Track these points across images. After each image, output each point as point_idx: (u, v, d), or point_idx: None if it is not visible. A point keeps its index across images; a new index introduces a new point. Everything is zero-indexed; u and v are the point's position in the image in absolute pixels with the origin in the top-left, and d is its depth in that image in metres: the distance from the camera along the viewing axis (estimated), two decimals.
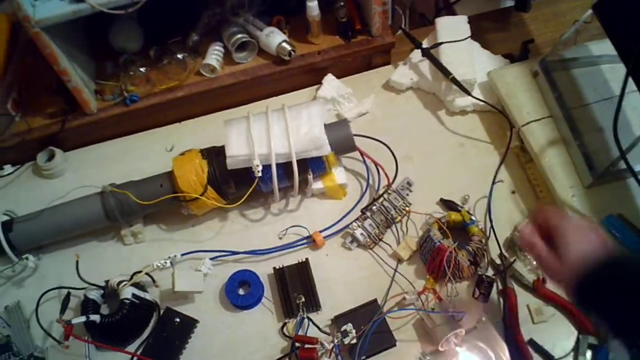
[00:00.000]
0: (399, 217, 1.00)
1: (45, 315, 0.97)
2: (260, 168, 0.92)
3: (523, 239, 0.74)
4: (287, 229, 1.01)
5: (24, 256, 0.99)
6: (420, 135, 1.09)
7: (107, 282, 0.96)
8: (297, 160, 0.94)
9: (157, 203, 0.97)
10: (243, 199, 0.95)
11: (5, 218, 1.02)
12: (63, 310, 0.93)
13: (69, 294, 0.95)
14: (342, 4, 1.08)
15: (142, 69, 1.09)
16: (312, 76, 1.14)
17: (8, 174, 1.14)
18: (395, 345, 0.90)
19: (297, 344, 0.89)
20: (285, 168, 0.96)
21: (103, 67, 1.14)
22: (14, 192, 1.13)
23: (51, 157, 1.12)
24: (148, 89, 1.11)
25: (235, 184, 0.98)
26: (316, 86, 1.16)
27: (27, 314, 1.00)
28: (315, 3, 1.06)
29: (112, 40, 1.12)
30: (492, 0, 1.29)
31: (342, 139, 0.98)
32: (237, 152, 0.94)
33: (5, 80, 1.07)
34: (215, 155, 0.98)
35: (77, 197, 1.03)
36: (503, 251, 0.95)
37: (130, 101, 1.09)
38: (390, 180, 1.01)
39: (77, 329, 0.90)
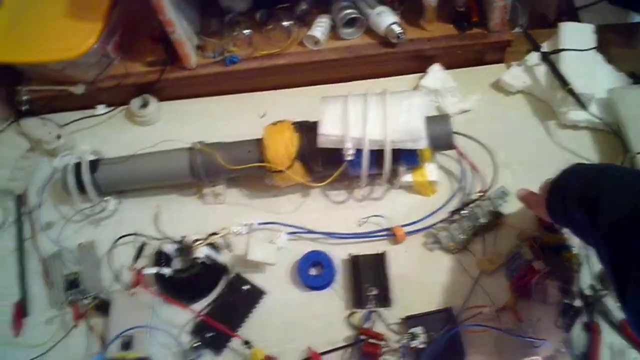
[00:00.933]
0: (489, 227, 0.97)
1: (116, 259, 1.02)
2: (351, 151, 0.92)
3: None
4: (368, 217, 1.01)
5: (105, 198, 1.03)
6: (524, 144, 1.06)
7: (183, 237, 0.99)
8: (391, 150, 0.93)
9: (243, 169, 0.98)
10: (329, 180, 0.96)
11: (92, 157, 1.06)
12: (136, 258, 0.97)
13: (144, 243, 0.99)
14: None
15: (246, 31, 1.11)
16: (417, 63, 1.13)
17: (100, 114, 1.18)
18: (463, 358, 0.88)
19: (362, 337, 0.89)
20: (376, 155, 0.95)
21: (208, 24, 1.16)
22: (104, 133, 1.18)
23: (145, 104, 1.16)
24: (249, 52, 1.12)
25: (323, 163, 0.98)
26: (420, 74, 1.14)
27: (99, 254, 1.04)
28: None
29: None
30: (621, 12, 1.22)
31: (441, 135, 0.96)
32: (330, 131, 0.94)
33: (109, 23, 1.10)
34: (307, 130, 0.98)
35: (164, 148, 1.06)
36: (595, 283, 0.91)
37: (230, 62, 1.11)
38: (486, 187, 0.99)
39: (146, 279, 0.94)
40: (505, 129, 1.07)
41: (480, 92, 1.11)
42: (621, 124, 0.99)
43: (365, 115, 0.93)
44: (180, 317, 0.96)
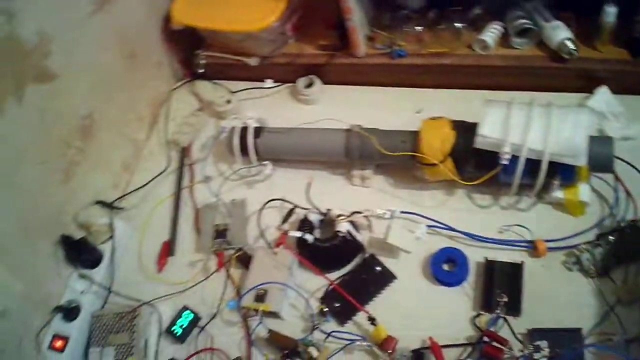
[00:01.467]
0: (634, 257, 0.96)
1: (262, 219, 1.12)
2: (508, 156, 0.95)
3: None
4: (511, 225, 1.03)
5: (264, 162, 1.14)
6: None
7: (328, 210, 1.07)
8: (548, 162, 0.95)
9: (397, 157, 1.04)
10: (480, 180, 1.00)
11: (257, 125, 1.17)
12: (284, 220, 1.06)
13: (293, 208, 1.08)
14: None
15: (418, 28, 1.16)
16: (583, 83, 1.13)
17: (268, 87, 1.30)
18: None
19: (485, 339, 0.92)
20: (532, 165, 0.97)
21: (379, 17, 1.24)
22: (268, 105, 1.29)
23: (310, 84, 1.25)
24: (417, 48, 1.18)
25: (475, 164, 1.02)
26: (584, 95, 1.14)
27: (248, 212, 1.15)
28: (614, 10, 1.04)
29: None
30: None
31: (601, 156, 0.97)
32: (489, 132, 0.97)
33: (291, 4, 1.21)
34: (464, 129, 1.02)
35: (322, 127, 1.15)
36: None
37: (397, 55, 1.18)
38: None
39: (288, 241, 1.04)
40: None
41: None
42: None
43: (528, 122, 0.96)
44: (311, 283, 1.05)
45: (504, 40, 1.16)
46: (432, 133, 1.03)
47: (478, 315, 0.97)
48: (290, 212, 1.08)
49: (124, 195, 1.23)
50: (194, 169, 1.25)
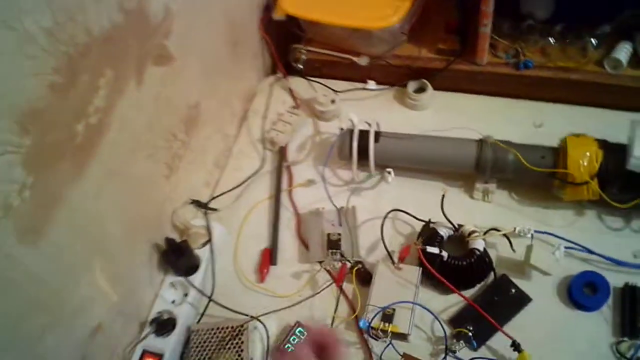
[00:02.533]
0: None
1: (375, 230, 1.08)
2: None
3: None
4: None
5: (387, 170, 1.11)
6: None
7: (460, 226, 1.05)
8: None
9: (535, 173, 1.03)
10: (634, 203, 0.99)
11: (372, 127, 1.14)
12: (420, 236, 1.04)
13: (428, 222, 1.05)
14: None
15: (549, 39, 1.16)
16: None
17: (372, 89, 1.27)
18: None
19: None
20: None
21: (500, 25, 1.22)
22: (372, 108, 1.27)
23: (421, 89, 1.23)
24: (543, 60, 1.18)
25: (620, 186, 1.02)
26: None
27: (359, 221, 1.12)
28: None
29: (523, 3, 1.21)
30: None
31: None
32: None
33: (414, 4, 1.19)
34: (611, 149, 1.02)
35: (444, 135, 1.13)
36: None
37: (524, 66, 1.17)
38: None
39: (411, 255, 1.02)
40: None
41: None
42: None
43: None
44: (435, 303, 1.03)
45: (634, 60, 1.16)
46: (579, 150, 1.02)
47: (620, 342, 0.96)
48: (426, 226, 1.06)
49: (218, 196, 1.18)
50: (292, 170, 1.20)
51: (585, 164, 1.01)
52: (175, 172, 1.07)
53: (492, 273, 1.04)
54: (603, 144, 1.04)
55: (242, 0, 1.21)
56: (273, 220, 1.15)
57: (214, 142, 1.20)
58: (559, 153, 1.05)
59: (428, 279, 1.04)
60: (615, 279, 1.02)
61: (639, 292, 0.99)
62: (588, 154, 1.02)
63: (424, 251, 1.00)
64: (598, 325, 0.99)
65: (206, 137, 1.16)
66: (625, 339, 0.96)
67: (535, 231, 1.04)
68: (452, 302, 1.03)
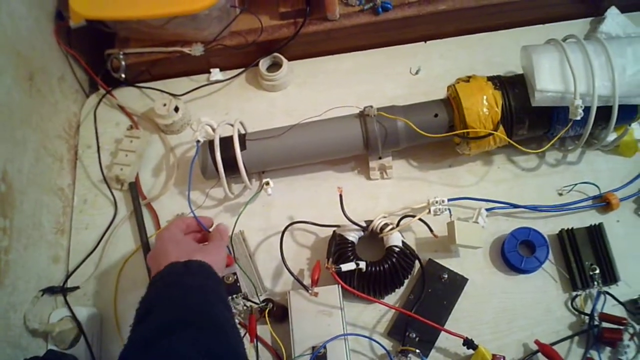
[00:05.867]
0: None
1: (273, 251, 0.88)
2: (581, 110, 0.80)
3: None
4: (575, 184, 0.90)
5: (264, 180, 0.87)
6: None
7: (368, 222, 0.85)
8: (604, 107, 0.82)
9: (439, 138, 0.85)
10: (553, 141, 0.84)
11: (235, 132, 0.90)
12: (330, 254, 0.82)
13: (335, 233, 0.85)
14: None
15: None
16: (589, 5, 1.01)
17: (220, 81, 1.01)
18: None
19: (597, 322, 0.79)
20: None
21: None
22: (226, 103, 1.02)
23: (274, 65, 0.99)
24: None
25: (529, 125, 0.86)
26: (590, 19, 1.02)
27: (252, 247, 0.90)
28: None
29: None
30: None
31: None
32: (550, 86, 0.81)
33: None
34: (510, 86, 0.85)
35: (306, 117, 0.91)
36: None
37: (382, 9, 0.96)
38: None
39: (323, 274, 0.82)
40: None
41: None
42: None
43: (590, 65, 0.81)
44: (366, 316, 0.86)
45: None
46: (474, 99, 0.84)
47: (575, 297, 0.84)
48: (333, 240, 0.85)
49: (75, 270, 0.90)
50: (154, 208, 0.94)
51: (485, 111, 0.84)
52: (5, 272, 0.78)
53: (417, 262, 0.86)
54: (498, 82, 0.86)
55: (21, 19, 0.88)
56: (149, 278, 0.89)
57: (46, 206, 0.90)
58: (451, 105, 0.86)
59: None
60: (549, 227, 0.89)
61: (578, 236, 0.86)
62: (485, 99, 0.84)
63: (339, 272, 0.80)
64: (546, 285, 0.86)
65: (32, 206, 0.86)
66: (579, 292, 0.84)
67: (449, 200, 0.87)
68: (385, 309, 0.85)
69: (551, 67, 0.82)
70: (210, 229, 0.83)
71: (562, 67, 0.82)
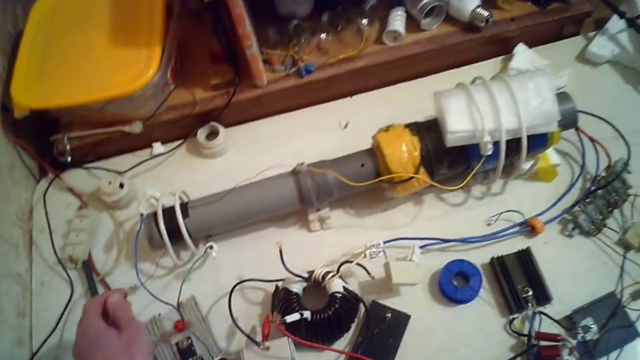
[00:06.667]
0: (621, 202, 0.94)
1: (223, 310, 0.90)
2: (491, 145, 0.86)
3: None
4: (500, 213, 0.95)
5: (207, 244, 0.91)
6: (626, 113, 1.03)
7: (310, 273, 0.89)
8: (516, 138, 0.88)
9: (366, 186, 0.90)
10: (469, 178, 0.89)
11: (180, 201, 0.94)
12: (274, 307, 0.86)
13: (277, 287, 0.88)
14: None
15: (320, 36, 1.02)
16: (499, 46, 1.09)
17: (162, 154, 1.06)
18: (636, 339, 0.85)
19: (534, 342, 0.83)
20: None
21: (265, 34, 1.06)
22: (168, 174, 1.06)
23: (213, 133, 1.04)
24: (323, 59, 1.04)
25: (448, 164, 0.91)
26: (501, 57, 1.10)
27: (204, 310, 0.93)
28: None
29: (279, 4, 1.05)
30: None
31: (565, 114, 0.92)
32: (460, 127, 0.87)
33: (166, 47, 0.99)
34: (425, 130, 0.91)
35: (245, 179, 0.95)
36: None
37: (306, 72, 1.02)
38: (612, 161, 0.96)
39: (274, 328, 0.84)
40: (602, 100, 1.04)
41: (570, 67, 1.08)
42: None
43: (495, 103, 0.87)
44: None
45: (410, 25, 1.06)
46: (394, 146, 0.90)
47: (512, 320, 0.87)
48: (276, 293, 0.88)
49: (37, 352, 0.92)
50: (108, 283, 0.97)
51: (406, 157, 0.89)
52: None
53: (361, 306, 0.89)
54: (416, 128, 0.92)
55: None
56: None
57: (5, 292, 0.92)
58: (376, 154, 0.92)
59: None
60: (481, 257, 0.93)
61: (507, 262, 0.90)
62: (404, 146, 0.89)
63: (285, 324, 0.83)
64: (484, 312, 0.89)
65: None
66: (515, 315, 0.88)
67: (385, 242, 0.91)
68: (336, 355, 0.88)
69: (459, 109, 0.88)
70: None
71: (469, 108, 0.88)
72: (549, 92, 0.88)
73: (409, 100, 1.05)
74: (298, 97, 1.06)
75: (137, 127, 1.01)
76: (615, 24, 1.07)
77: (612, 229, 0.93)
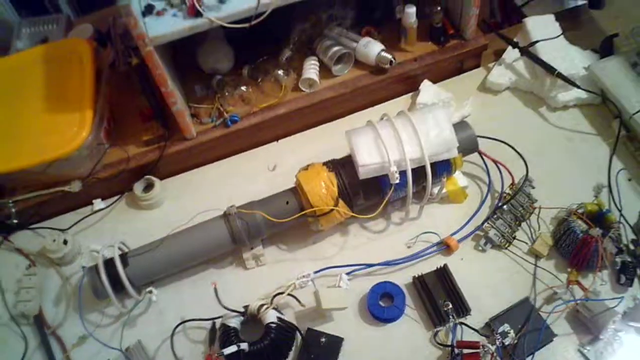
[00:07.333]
0: (528, 215, 1.02)
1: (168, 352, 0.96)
2: (397, 175, 0.94)
3: None
4: (417, 236, 1.03)
5: (147, 289, 0.96)
6: (527, 134, 1.13)
7: (245, 307, 0.94)
8: (422, 166, 0.96)
9: (290, 220, 0.96)
10: (383, 205, 0.97)
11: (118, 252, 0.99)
12: (213, 341, 0.91)
13: (214, 324, 0.94)
14: (438, 9, 1.12)
15: (242, 88, 1.10)
16: (407, 84, 1.18)
17: (101, 209, 1.11)
18: (552, 340, 0.91)
19: (457, 351, 0.90)
20: (413, 173, 0.97)
21: (191, 90, 1.14)
22: (110, 228, 1.11)
23: (149, 186, 1.10)
24: (247, 109, 1.12)
25: (364, 195, 0.99)
26: (410, 94, 1.19)
27: (151, 353, 0.97)
28: (414, 9, 1.10)
29: (202, 62, 1.13)
30: (556, 1, 1.35)
31: (465, 140, 1.01)
32: (369, 160, 0.95)
33: (97, 110, 1.05)
34: (340, 166, 0.99)
35: (181, 226, 1.02)
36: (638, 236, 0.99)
37: (231, 122, 1.09)
38: (515, 179, 1.04)
39: None
40: (505, 124, 1.14)
41: (472, 97, 1.17)
42: (609, 93, 1.10)
43: (398, 137, 0.95)
44: None
45: (324, 72, 1.14)
46: (314, 183, 0.97)
47: (436, 333, 0.94)
48: (213, 328, 0.93)
49: None
50: (59, 335, 1.01)
51: (325, 192, 0.96)
52: None
53: (297, 334, 0.95)
54: (332, 165, 1.00)
55: None
56: None
57: None
58: (298, 192, 0.98)
59: None
60: (404, 277, 1.00)
61: (427, 280, 0.97)
62: (322, 182, 0.97)
63: (222, 356, 0.88)
64: (410, 328, 0.96)
65: None
66: (439, 328, 0.94)
67: (315, 272, 0.97)
68: None
69: (367, 144, 0.96)
70: None
71: (376, 142, 0.96)
72: (446, 122, 0.97)
73: (329, 141, 1.13)
74: (227, 146, 1.13)
75: (76, 186, 1.07)
76: (511, 53, 1.18)
77: (521, 241, 1.01)
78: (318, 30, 1.16)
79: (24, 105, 1.07)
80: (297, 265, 1.03)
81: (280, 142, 1.17)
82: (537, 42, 1.15)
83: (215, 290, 0.92)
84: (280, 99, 1.12)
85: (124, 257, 0.98)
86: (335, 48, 1.12)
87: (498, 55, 1.23)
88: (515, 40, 1.19)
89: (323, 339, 0.94)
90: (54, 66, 1.11)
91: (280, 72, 1.12)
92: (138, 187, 1.10)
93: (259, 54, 1.15)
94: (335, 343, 0.94)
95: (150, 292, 0.96)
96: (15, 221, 1.08)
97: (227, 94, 1.11)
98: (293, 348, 0.94)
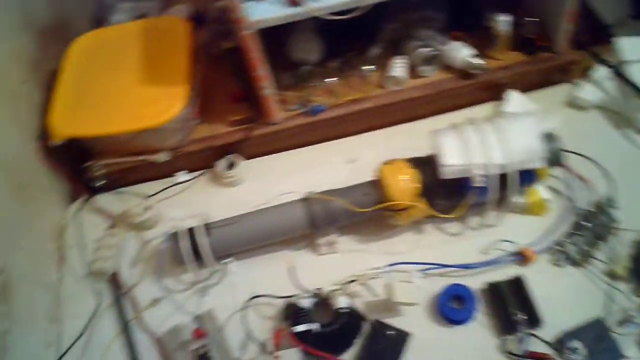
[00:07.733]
0: (608, 235, 1.00)
1: (240, 324, 0.98)
2: (480, 178, 0.93)
3: None
4: (496, 243, 1.01)
5: (226, 260, 0.98)
6: (612, 154, 1.10)
7: (318, 290, 0.95)
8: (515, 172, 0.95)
9: (370, 211, 0.97)
10: (462, 209, 0.96)
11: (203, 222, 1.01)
12: (285, 319, 0.92)
13: (289, 302, 0.95)
14: (532, 19, 1.11)
15: (329, 80, 1.11)
16: (491, 92, 1.17)
17: (185, 181, 1.14)
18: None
19: None
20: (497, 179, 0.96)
21: (279, 78, 1.15)
22: (191, 199, 1.14)
23: (231, 165, 1.13)
24: (333, 100, 1.13)
25: (444, 195, 0.99)
26: (493, 102, 1.18)
27: (221, 323, 0.99)
28: (510, 18, 1.09)
29: (293, 51, 1.15)
30: None
31: (553, 152, 0.99)
32: (453, 161, 0.95)
33: (193, 86, 1.08)
34: (424, 164, 0.99)
35: (259, 205, 1.03)
36: None
37: (318, 111, 1.11)
38: (597, 196, 1.02)
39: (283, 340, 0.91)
40: (589, 142, 1.11)
41: (559, 112, 1.16)
42: None
43: (485, 141, 0.95)
44: None
45: (411, 71, 1.15)
46: (395, 177, 0.97)
47: (505, 341, 0.93)
48: (289, 306, 0.95)
49: (64, 354, 0.98)
50: (133, 295, 1.04)
51: (406, 187, 0.97)
52: (5, 352, 0.88)
53: (365, 323, 0.95)
54: (415, 162, 1.00)
55: (11, 140, 1.03)
56: (131, 356, 0.98)
57: (38, 298, 1.00)
58: (379, 185, 0.99)
59: (309, 354, 0.93)
60: (476, 282, 0.99)
61: (502, 287, 0.96)
62: (405, 177, 0.97)
63: (293, 333, 0.89)
64: (478, 333, 0.95)
65: (27, 296, 0.97)
66: (509, 336, 0.93)
67: (388, 266, 0.98)
68: None
69: (453, 144, 0.96)
70: None
71: (461, 144, 0.96)
72: (535, 132, 0.96)
73: (410, 139, 1.13)
74: (310, 134, 1.15)
75: (163, 157, 1.10)
76: (601, 71, 1.16)
77: (599, 260, 0.99)
78: (408, 31, 1.17)
79: (122, 74, 1.11)
80: (369, 257, 1.03)
81: (361, 136, 1.18)
82: (627, 62, 1.13)
83: (291, 270, 0.93)
84: (367, 94, 1.13)
85: (206, 227, 1.00)
86: (426, 49, 1.12)
87: (584, 72, 1.21)
88: (603, 58, 1.17)
89: (390, 332, 0.94)
90: (152, 40, 1.16)
91: (368, 67, 1.13)
92: (221, 164, 1.13)
93: (348, 48, 1.16)
94: (402, 337, 0.94)
95: (229, 262, 0.98)
96: (100, 183, 1.12)
97: (314, 84, 1.13)
98: (357, 336, 0.95)
